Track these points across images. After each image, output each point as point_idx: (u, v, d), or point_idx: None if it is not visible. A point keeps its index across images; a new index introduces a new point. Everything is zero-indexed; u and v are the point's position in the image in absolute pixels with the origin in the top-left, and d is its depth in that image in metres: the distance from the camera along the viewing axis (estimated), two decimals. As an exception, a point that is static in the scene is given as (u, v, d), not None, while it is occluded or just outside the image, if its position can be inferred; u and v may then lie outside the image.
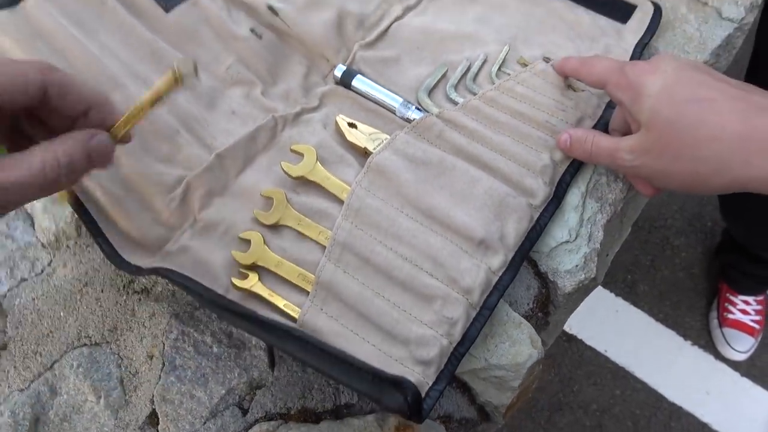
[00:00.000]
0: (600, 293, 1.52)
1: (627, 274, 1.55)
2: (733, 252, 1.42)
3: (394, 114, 0.50)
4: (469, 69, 0.53)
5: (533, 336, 0.42)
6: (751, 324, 1.43)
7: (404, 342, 0.38)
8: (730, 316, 1.44)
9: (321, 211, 0.44)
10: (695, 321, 1.50)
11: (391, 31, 0.55)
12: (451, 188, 0.45)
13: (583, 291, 0.49)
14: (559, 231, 0.46)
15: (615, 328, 1.47)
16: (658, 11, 0.57)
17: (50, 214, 0.46)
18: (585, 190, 0.48)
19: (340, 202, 0.44)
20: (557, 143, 0.48)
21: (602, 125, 0.50)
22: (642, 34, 0.55)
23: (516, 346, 0.41)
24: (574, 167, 0.48)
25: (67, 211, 0.46)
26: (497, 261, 0.42)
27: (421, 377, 0.37)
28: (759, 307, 1.45)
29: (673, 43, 0.57)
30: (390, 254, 0.41)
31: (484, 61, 0.53)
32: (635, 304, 1.50)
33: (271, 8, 0.53)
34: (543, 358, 0.42)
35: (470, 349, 0.39)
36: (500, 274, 0.42)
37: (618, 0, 0.58)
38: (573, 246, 0.46)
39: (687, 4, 0.60)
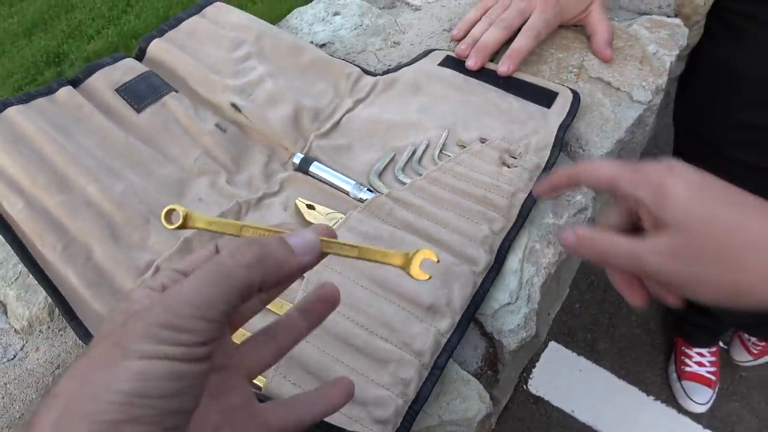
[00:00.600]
0: (563, 353, 1.56)
1: (587, 333, 1.60)
2: (683, 306, 1.49)
3: (348, 195, 0.55)
4: (414, 153, 0.59)
5: (481, 392, 0.45)
6: (708, 375, 1.49)
7: (362, 403, 0.41)
8: (688, 369, 1.49)
9: (283, 287, 0.47)
10: (656, 376, 1.54)
11: (343, 122, 0.62)
12: (401, 260, 0.50)
13: (528, 347, 0.54)
14: (501, 294, 0.51)
15: (580, 388, 1.50)
16: (576, 97, 0.65)
17: (24, 301, 0.48)
18: (522, 257, 0.53)
19: (300, 278, 0.48)
20: (561, 242, 0.43)
21: (531, 199, 0.56)
22: (564, 116, 0.63)
23: (466, 402, 0.45)
24: (511, 236, 0.54)
25: (40, 296, 0.48)
26: (445, 324, 0.47)
27: (378, 436, 0.40)
28: (713, 359, 1.51)
29: (592, 124, 0.65)
30: (348, 323, 0.45)
31: (428, 146, 0.60)
32: (597, 362, 1.54)
33: (234, 105, 0.59)
34: (492, 413, 0.46)
35: (424, 407, 0.43)
36: (448, 336, 0.46)
37: (543, 89, 0.66)
38: (514, 307, 0.51)
39: (602, 90, 0.68)
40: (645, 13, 0.79)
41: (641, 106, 0.67)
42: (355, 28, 0.75)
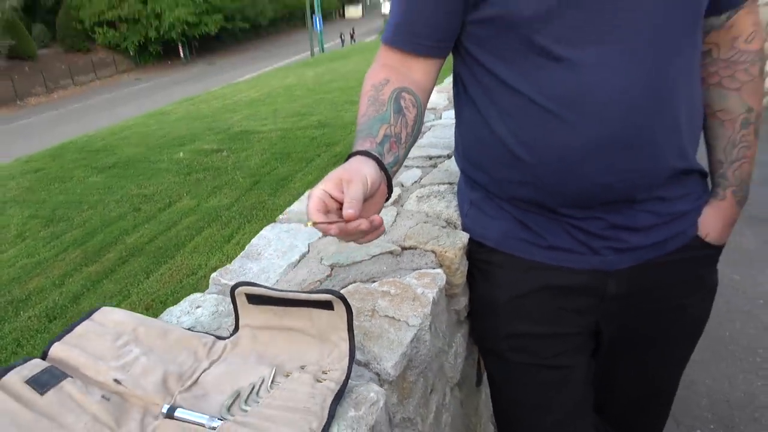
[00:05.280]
0: None
1: None
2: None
3: (204, 427, 0.76)
4: (253, 389, 0.82)
5: None
6: None
7: None
8: None
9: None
10: None
11: (200, 379, 0.85)
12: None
13: None
14: (321, 474, 0.71)
15: None
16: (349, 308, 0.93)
17: None
18: (334, 444, 0.75)
19: None
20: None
21: (335, 402, 0.79)
22: (346, 316, 0.88)
23: None
24: (326, 431, 0.75)
25: None
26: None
27: None
28: None
29: (384, 346, 0.93)
30: None
31: (263, 381, 0.83)
32: None
33: (116, 380, 0.81)
34: None
35: None
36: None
37: (319, 301, 0.94)
38: (330, 481, 0.70)
39: (388, 322, 0.99)
40: (417, 269, 1.16)
41: (415, 328, 0.97)
42: (212, 314, 1.03)
